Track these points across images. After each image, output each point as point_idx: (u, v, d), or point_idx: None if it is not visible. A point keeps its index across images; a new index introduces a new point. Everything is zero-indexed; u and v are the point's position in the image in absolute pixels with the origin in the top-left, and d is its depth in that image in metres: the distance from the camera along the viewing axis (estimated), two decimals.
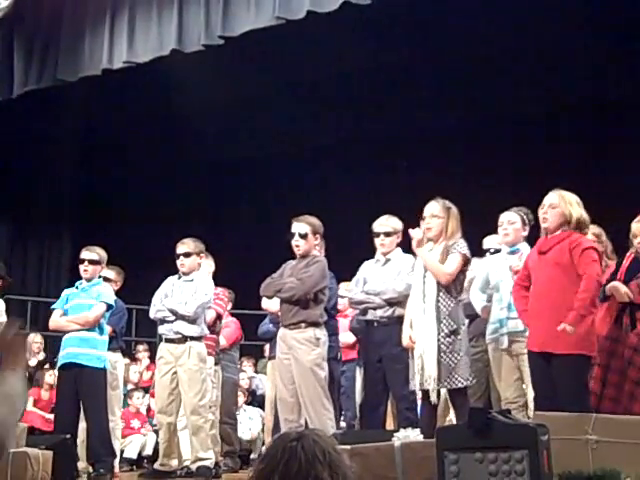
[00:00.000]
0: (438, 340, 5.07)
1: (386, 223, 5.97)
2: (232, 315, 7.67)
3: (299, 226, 5.89)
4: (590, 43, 8.90)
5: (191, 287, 6.23)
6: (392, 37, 9.67)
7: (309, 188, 10.74)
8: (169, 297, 6.25)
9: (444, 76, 9.99)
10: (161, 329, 6.24)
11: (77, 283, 6.47)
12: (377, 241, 5.97)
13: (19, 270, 11.57)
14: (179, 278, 6.35)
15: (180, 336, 6.10)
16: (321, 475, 1.87)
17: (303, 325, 5.69)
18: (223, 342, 7.14)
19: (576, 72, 9.30)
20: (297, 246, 5.87)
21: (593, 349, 4.74)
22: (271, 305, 6.47)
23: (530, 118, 9.89)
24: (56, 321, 6.34)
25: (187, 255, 6.25)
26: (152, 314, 6.36)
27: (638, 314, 5.00)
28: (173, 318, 6.12)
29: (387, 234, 5.93)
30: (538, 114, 9.90)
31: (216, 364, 6.87)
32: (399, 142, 10.64)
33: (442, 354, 5.07)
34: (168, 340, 6.14)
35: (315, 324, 5.73)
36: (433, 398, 5.07)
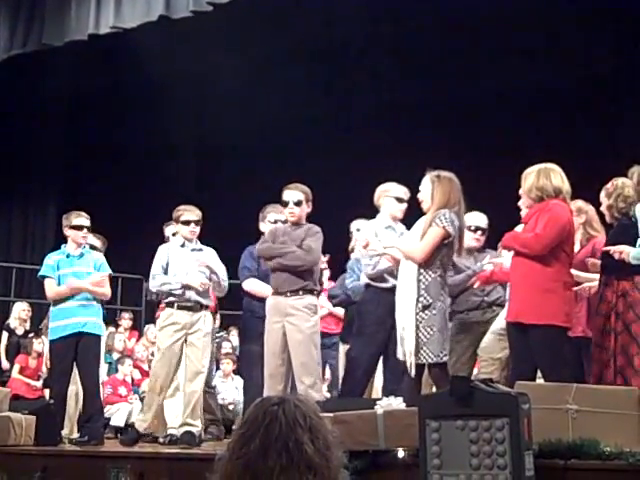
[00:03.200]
0: (415, 314, 5.08)
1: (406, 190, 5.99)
2: None
3: (293, 194, 5.87)
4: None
5: (202, 257, 6.19)
6: (388, 5, 9.61)
7: (293, 159, 10.68)
8: (178, 267, 6.14)
9: (446, 45, 9.95)
10: (171, 297, 6.13)
11: (64, 250, 6.35)
12: (401, 207, 6.01)
13: (4, 237, 11.54)
14: (182, 247, 6.28)
15: (195, 304, 6.10)
16: (301, 439, 1.87)
17: (301, 292, 5.72)
18: None
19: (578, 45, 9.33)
20: (292, 214, 5.87)
21: (567, 320, 4.78)
22: (263, 290, 6.31)
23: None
24: (54, 289, 6.16)
25: (198, 223, 6.22)
26: (156, 287, 6.20)
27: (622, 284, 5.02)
28: (181, 291, 6.07)
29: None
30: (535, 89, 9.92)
31: None
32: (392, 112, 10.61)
33: (417, 329, 5.06)
34: (183, 307, 6.07)
35: (312, 292, 5.78)
36: (411, 372, 5.09)
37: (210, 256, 6.28)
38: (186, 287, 6.07)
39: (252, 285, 6.45)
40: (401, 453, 4.14)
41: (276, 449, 1.85)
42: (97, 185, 11.26)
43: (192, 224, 6.18)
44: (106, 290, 6.27)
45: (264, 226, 6.46)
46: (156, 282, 6.17)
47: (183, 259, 6.18)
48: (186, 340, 6.07)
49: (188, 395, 6.03)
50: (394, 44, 10.20)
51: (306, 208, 5.90)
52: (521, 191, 5.10)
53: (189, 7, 7.68)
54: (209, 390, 7.17)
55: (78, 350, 6.09)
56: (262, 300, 6.05)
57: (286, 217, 5.97)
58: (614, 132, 9.39)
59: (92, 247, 6.72)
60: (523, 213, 5.55)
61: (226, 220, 10.26)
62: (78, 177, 11.52)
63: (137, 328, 9.78)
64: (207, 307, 6.22)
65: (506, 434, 3.51)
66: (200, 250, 6.26)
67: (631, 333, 4.89)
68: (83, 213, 6.39)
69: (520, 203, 5.54)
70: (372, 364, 5.91)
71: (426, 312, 5.06)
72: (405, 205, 6.00)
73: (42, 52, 8.77)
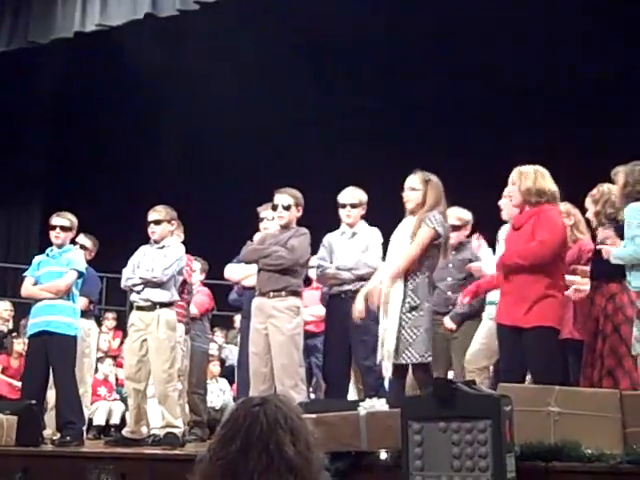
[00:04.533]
0: (400, 315, 5.08)
1: (352, 194, 5.98)
2: (204, 285, 7.65)
3: (282, 198, 5.89)
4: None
5: (161, 253, 6.20)
6: (389, 4, 9.60)
7: (282, 160, 10.67)
8: (141, 266, 6.22)
9: (448, 45, 9.97)
10: (133, 297, 6.23)
11: (48, 250, 6.40)
12: (343, 212, 5.97)
13: None
14: (151, 246, 6.31)
15: (149, 303, 6.06)
16: (282, 440, 1.87)
17: (284, 293, 5.73)
18: (194, 311, 7.09)
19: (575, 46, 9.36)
20: (280, 217, 5.89)
21: (560, 323, 4.81)
22: (234, 274, 6.57)
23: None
24: (28, 289, 6.31)
25: (157, 222, 6.20)
26: (122, 283, 6.33)
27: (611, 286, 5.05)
28: (141, 287, 6.09)
29: (353, 205, 5.94)
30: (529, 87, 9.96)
31: (186, 333, 6.85)
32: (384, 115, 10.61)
33: (402, 329, 5.07)
34: (139, 308, 6.13)
35: (295, 293, 5.78)
36: (388, 373, 5.10)
37: (170, 253, 6.20)
38: (145, 283, 6.08)
39: (228, 271, 6.69)
40: (383, 455, 4.14)
41: (257, 450, 1.85)
42: (82, 184, 11.19)
43: (151, 224, 6.24)
44: (58, 288, 6.13)
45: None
46: (123, 279, 6.27)
47: (148, 257, 6.23)
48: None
49: (160, 397, 6.03)
50: (395, 44, 10.18)
51: (295, 212, 5.92)
52: (511, 189, 5.03)
53: (175, 5, 7.67)
54: (199, 391, 7.16)
55: (48, 350, 6.07)
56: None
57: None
58: (608, 134, 9.42)
59: (82, 247, 6.76)
60: (504, 214, 5.55)
61: (222, 221, 10.26)
62: (63, 176, 11.44)
63: (121, 328, 9.74)
64: (165, 305, 6.07)
65: (488, 436, 3.52)
66: (162, 248, 6.23)
67: (621, 334, 4.92)
68: (64, 213, 6.38)
69: (502, 203, 5.53)
70: (340, 367, 5.87)
71: (413, 313, 5.07)
72: (343, 209, 5.95)
73: (27, 50, 8.73)
